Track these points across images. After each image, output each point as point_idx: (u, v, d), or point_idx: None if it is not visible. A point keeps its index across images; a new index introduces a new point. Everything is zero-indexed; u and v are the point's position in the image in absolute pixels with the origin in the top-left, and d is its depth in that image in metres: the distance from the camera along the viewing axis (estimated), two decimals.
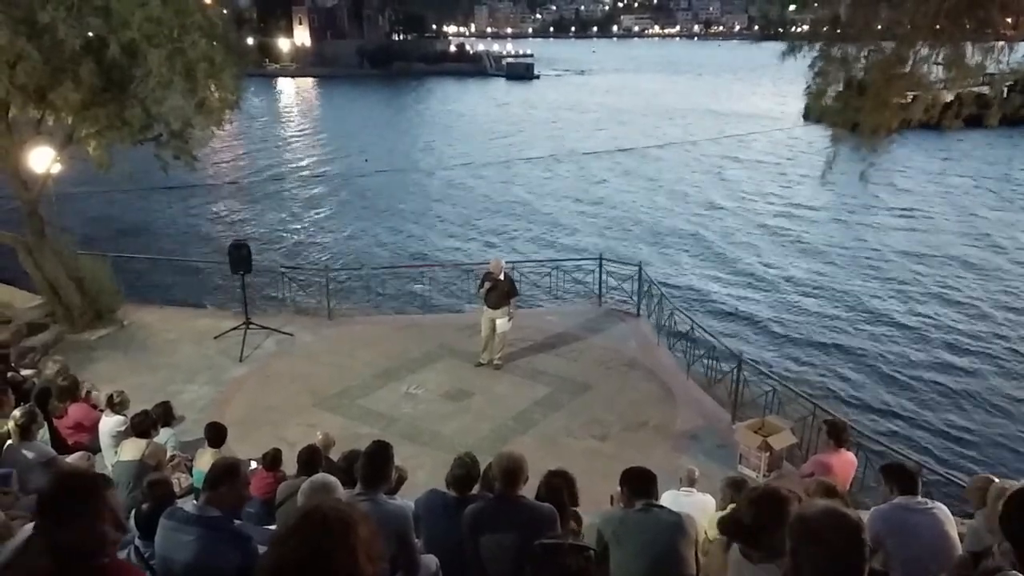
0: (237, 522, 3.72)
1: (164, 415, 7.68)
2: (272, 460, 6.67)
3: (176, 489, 6.04)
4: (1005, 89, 8.17)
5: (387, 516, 3.96)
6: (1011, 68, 7.58)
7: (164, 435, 7.47)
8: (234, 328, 12.36)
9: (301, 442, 6.65)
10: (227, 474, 3.67)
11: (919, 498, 4.77)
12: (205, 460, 6.72)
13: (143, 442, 6.79)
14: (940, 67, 7.64)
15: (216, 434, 7.10)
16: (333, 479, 4.09)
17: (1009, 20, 7.99)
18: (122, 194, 28.13)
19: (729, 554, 3.53)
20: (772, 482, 7.03)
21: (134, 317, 13.25)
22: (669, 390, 10.90)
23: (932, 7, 7.03)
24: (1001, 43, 7.51)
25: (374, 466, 4.19)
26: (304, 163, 43.07)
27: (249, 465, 6.96)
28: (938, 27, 7.34)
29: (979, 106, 8.11)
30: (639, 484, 4.37)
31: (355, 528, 1.73)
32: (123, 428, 7.23)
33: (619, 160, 42.45)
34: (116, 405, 7.57)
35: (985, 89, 8.27)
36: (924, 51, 7.57)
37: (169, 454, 7.27)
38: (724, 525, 3.58)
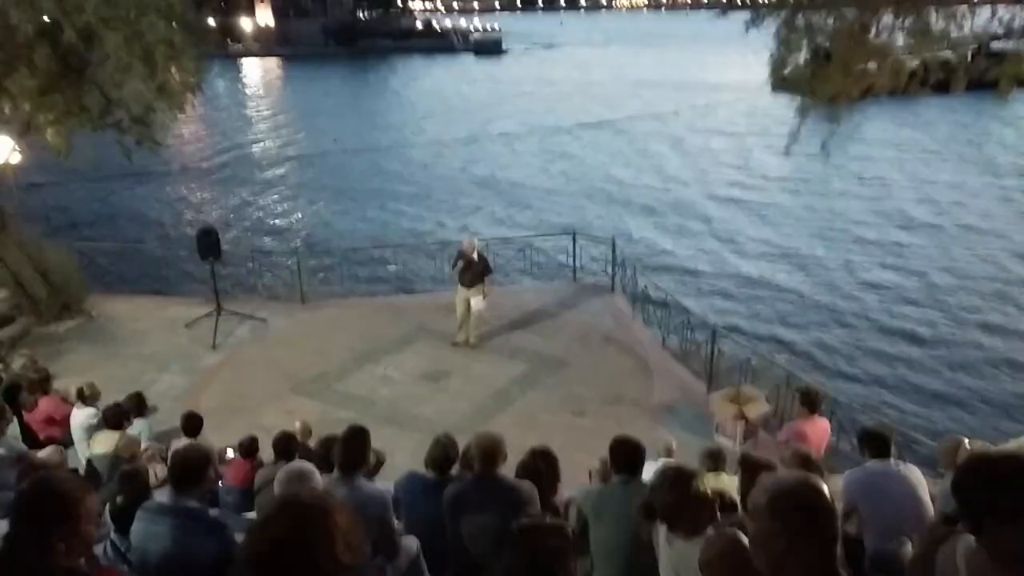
0: (213, 511, 3.69)
1: (137, 406, 7.59)
2: (248, 448, 6.62)
3: (152, 480, 5.97)
4: (969, 54, 8.24)
5: (366, 500, 3.96)
6: (974, 33, 7.65)
7: (138, 426, 7.38)
8: (206, 315, 12.21)
9: (279, 428, 6.60)
10: (195, 468, 3.64)
11: (892, 461, 4.86)
12: None
13: (116, 434, 6.73)
14: (904, 33, 7.69)
15: (192, 424, 7.05)
16: (309, 466, 4.07)
17: None
18: (86, 182, 27.53)
19: (660, 534, 3.59)
20: (748, 450, 7.11)
21: (103, 307, 13.03)
22: (645, 363, 10.98)
23: None
24: (963, 7, 7.58)
25: (350, 451, 4.18)
26: (271, 145, 42.38)
27: (226, 453, 6.92)
28: None
29: (945, 72, 8.17)
30: (623, 459, 4.35)
31: (332, 515, 1.73)
32: (95, 421, 7.14)
33: (587, 134, 42.26)
34: (87, 397, 7.47)
35: (949, 54, 8.34)
36: (888, 18, 7.62)
37: (143, 445, 7.19)
38: (643, 509, 3.63)
